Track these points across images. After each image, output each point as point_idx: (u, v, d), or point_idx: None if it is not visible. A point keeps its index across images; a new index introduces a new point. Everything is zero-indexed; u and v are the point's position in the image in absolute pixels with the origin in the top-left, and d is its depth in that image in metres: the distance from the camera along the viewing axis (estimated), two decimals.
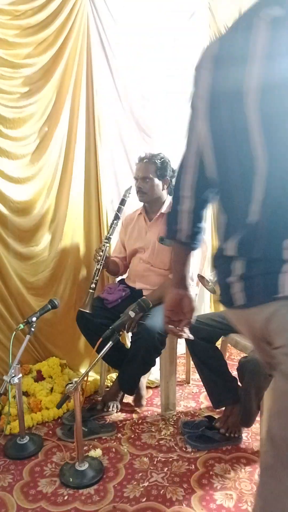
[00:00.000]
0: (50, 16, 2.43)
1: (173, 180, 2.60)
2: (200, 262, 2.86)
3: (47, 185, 2.58)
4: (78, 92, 2.59)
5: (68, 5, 2.47)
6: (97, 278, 2.52)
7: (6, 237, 2.44)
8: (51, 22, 2.44)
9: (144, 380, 2.57)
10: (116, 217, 2.60)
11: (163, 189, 2.54)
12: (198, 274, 2.20)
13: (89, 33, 2.60)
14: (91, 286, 2.51)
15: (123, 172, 2.90)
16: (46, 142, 2.54)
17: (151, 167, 2.49)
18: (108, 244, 2.56)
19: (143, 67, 2.91)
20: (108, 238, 2.58)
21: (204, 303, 3.50)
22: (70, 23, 2.50)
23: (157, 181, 2.50)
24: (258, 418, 2.12)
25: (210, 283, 2.10)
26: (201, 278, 2.15)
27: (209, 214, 3.50)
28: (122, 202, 2.61)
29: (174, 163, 2.59)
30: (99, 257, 2.52)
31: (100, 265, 2.52)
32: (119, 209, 2.61)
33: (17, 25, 2.32)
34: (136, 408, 2.51)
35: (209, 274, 2.15)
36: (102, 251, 2.52)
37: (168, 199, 2.59)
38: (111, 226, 2.60)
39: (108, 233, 2.60)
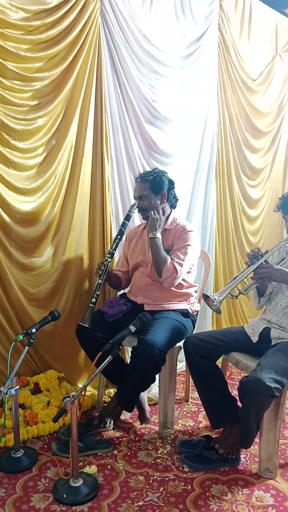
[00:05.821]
0: (62, 32, 2.48)
1: (172, 192, 2.59)
2: (202, 279, 2.86)
3: (53, 197, 2.58)
4: (87, 107, 2.63)
5: (80, 22, 2.51)
6: (98, 292, 2.49)
7: (9, 247, 2.43)
8: (63, 38, 2.48)
9: (145, 395, 2.54)
10: (121, 232, 2.57)
11: (162, 202, 2.54)
12: (203, 294, 2.17)
13: (100, 50, 2.65)
14: (92, 300, 2.47)
15: (129, 187, 2.92)
16: (54, 155, 2.56)
17: (145, 185, 2.52)
18: (110, 259, 2.53)
19: (152, 84, 2.95)
20: (111, 253, 2.55)
21: (206, 320, 3.48)
22: (82, 40, 2.54)
23: (153, 197, 2.52)
24: (257, 440, 2.09)
25: (215, 303, 2.07)
26: (205, 297, 2.12)
27: (214, 226, 3.50)
28: (127, 217, 2.60)
29: (180, 176, 2.60)
30: (101, 272, 2.49)
31: (102, 279, 2.49)
32: (123, 224, 2.59)
33: (29, 39, 2.36)
34: (142, 423, 2.47)
35: (214, 294, 2.12)
36: (104, 266, 2.50)
37: (172, 214, 2.59)
38: (114, 241, 2.58)
39: (111, 248, 2.58)
